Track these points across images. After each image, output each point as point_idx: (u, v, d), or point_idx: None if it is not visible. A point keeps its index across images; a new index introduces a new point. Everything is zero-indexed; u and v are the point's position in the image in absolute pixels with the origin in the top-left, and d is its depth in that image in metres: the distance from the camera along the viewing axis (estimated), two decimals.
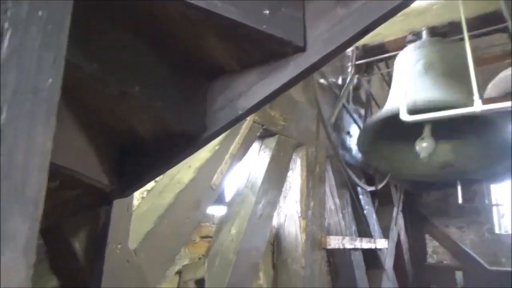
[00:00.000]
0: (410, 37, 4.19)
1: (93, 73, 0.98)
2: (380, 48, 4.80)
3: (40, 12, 0.61)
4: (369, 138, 4.05)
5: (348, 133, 4.81)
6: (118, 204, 1.76)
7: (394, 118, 3.32)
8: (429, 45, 3.74)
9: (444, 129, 3.73)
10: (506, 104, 2.59)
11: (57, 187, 1.30)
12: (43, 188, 0.67)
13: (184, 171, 2.43)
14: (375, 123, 3.83)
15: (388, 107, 3.70)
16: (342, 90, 4.73)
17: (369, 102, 5.67)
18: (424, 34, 4.09)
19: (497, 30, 3.88)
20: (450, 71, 3.44)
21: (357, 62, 4.89)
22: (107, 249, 1.75)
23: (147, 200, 2.29)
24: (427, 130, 3.53)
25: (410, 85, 3.37)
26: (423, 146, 3.57)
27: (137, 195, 2.44)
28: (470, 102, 2.67)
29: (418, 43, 3.87)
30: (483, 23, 3.90)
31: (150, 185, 2.41)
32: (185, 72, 1.33)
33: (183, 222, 2.35)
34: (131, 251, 1.95)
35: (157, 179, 2.33)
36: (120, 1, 1.07)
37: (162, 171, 1.63)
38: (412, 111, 3.08)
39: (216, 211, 3.07)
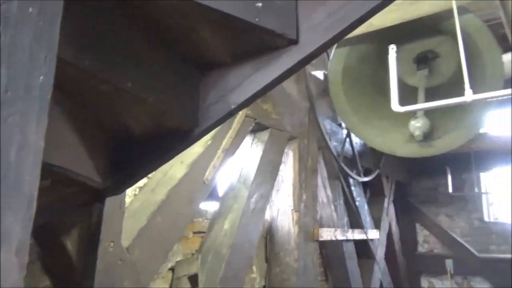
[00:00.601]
0: None
1: (85, 69, 0.96)
2: None
3: (30, 8, 0.59)
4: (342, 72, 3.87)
5: (340, 124, 4.83)
6: (110, 202, 1.74)
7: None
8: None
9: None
10: (496, 94, 2.62)
11: (48, 186, 1.28)
12: (36, 187, 0.65)
13: (176, 167, 2.42)
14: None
15: None
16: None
17: None
18: None
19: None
20: None
21: None
22: (100, 248, 1.74)
23: (140, 197, 2.27)
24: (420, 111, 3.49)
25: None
26: (417, 125, 3.49)
27: (129, 192, 2.42)
28: None
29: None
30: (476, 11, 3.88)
31: (142, 181, 2.39)
32: (177, 66, 1.32)
33: (176, 218, 2.34)
34: (124, 249, 1.93)
35: (149, 175, 2.31)
36: None
37: (155, 167, 1.61)
38: None
39: (209, 206, 3.06)
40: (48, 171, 1.12)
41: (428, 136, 3.65)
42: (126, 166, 1.47)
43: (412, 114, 3.54)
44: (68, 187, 1.38)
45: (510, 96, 2.66)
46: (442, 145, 3.80)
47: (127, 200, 2.16)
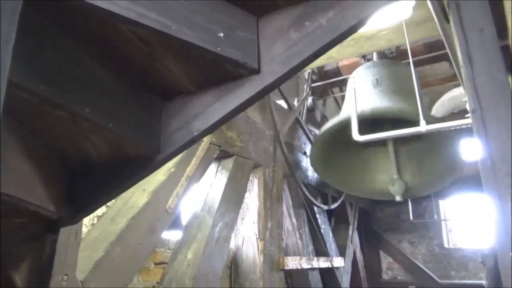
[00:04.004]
0: (362, 62, 4.46)
1: (40, 94, 0.93)
2: (335, 72, 5.04)
3: None
4: (321, 150, 4.18)
5: (305, 153, 4.90)
6: (65, 232, 1.65)
7: (343, 130, 3.47)
8: (379, 65, 3.98)
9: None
10: (449, 124, 2.75)
11: None
12: None
13: (138, 195, 2.35)
14: (326, 134, 3.98)
15: (340, 117, 3.87)
16: (297, 104, 4.86)
17: (324, 123, 5.86)
18: (375, 57, 4.37)
19: (441, 56, 4.17)
20: (398, 87, 3.69)
21: (314, 85, 5.07)
22: (52, 282, 1.63)
23: (98, 226, 2.18)
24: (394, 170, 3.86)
25: (361, 98, 3.55)
26: (395, 188, 3.95)
27: (87, 222, 2.33)
28: (414, 112, 2.88)
29: (369, 63, 4.11)
30: (428, 49, 4.19)
31: (101, 210, 2.31)
32: (139, 93, 1.30)
33: (137, 248, 2.25)
34: (79, 282, 1.83)
35: (109, 204, 2.24)
36: (72, 20, 1.03)
37: (114, 195, 1.56)
38: (362, 118, 3.26)
39: (172, 235, 2.98)
40: None
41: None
42: (83, 194, 1.42)
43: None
44: (19, 217, 1.31)
45: (463, 126, 2.80)
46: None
47: (84, 230, 2.07)
